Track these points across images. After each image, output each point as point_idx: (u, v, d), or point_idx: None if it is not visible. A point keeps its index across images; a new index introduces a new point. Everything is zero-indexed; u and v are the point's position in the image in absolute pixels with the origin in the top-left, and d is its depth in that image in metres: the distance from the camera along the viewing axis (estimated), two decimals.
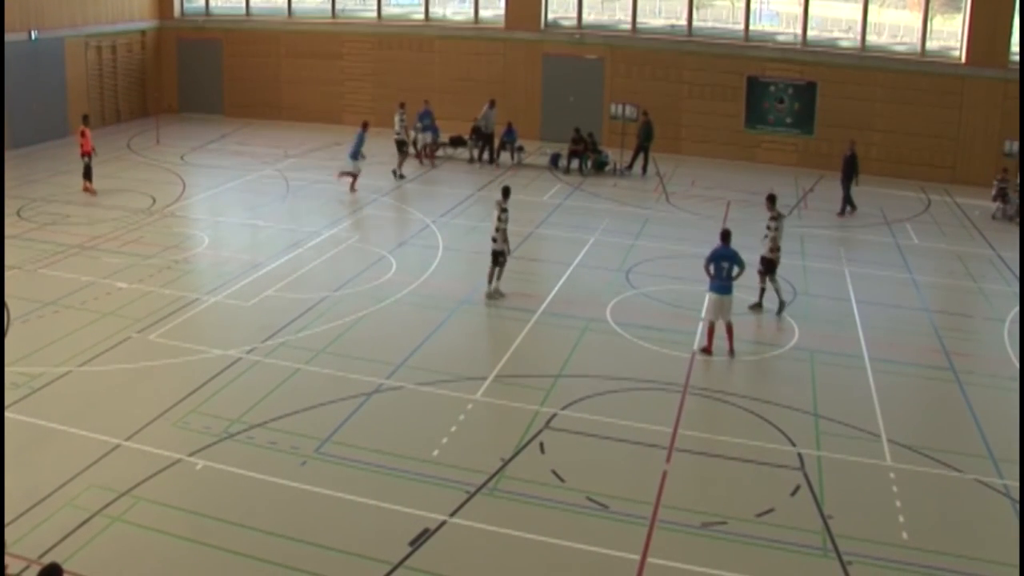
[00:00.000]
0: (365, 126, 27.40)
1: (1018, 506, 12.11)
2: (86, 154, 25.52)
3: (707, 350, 16.48)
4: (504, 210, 18.78)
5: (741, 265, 16.52)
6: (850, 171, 26.49)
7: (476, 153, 31.52)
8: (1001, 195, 27.06)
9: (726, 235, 16.84)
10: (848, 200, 26.63)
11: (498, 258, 18.82)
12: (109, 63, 35.81)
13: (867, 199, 28.36)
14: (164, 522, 11.06)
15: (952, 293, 21.10)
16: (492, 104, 31.62)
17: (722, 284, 16.42)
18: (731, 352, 16.44)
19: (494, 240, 18.81)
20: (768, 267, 18.63)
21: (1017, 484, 12.54)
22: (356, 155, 26.76)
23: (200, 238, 22.40)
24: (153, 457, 12.40)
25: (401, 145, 29.17)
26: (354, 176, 26.93)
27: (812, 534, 11.35)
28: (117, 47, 36.11)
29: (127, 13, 36.46)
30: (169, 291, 18.58)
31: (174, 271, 19.87)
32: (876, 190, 29.45)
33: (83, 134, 25.63)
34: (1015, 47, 30.16)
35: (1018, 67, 29.77)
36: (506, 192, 19.29)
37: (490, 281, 18.85)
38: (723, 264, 16.43)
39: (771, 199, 19.12)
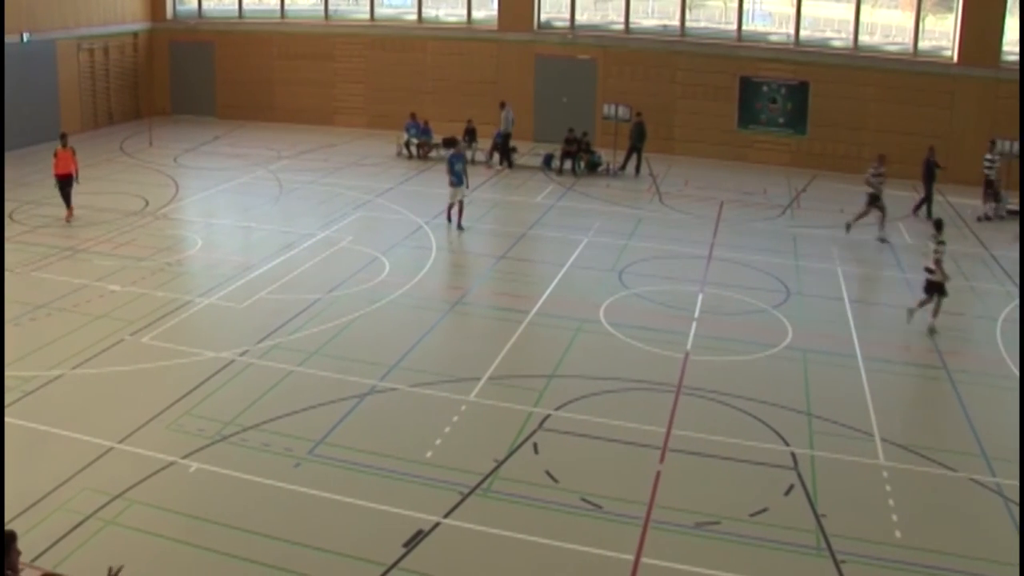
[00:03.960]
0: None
1: (1014, 506, 12.13)
2: (58, 177, 23.13)
3: None
4: (941, 243, 17.97)
5: None
6: (929, 174, 26.42)
7: (497, 157, 31.50)
8: (993, 194, 27.07)
9: None
10: (926, 202, 26.55)
11: (937, 289, 17.90)
12: (101, 65, 35.79)
13: (860, 198, 28.34)
14: (158, 525, 11.04)
15: None
16: (502, 105, 31.66)
17: None
18: None
19: (930, 271, 18.02)
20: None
21: (1010, 482, 12.59)
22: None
23: (193, 240, 22.37)
24: (147, 460, 12.38)
25: (874, 200, 25.22)
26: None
27: (806, 533, 11.36)
28: (109, 49, 36.08)
29: (119, 15, 36.42)
30: (162, 293, 18.56)
31: (167, 273, 19.84)
32: (868, 189, 29.45)
33: (55, 154, 23.25)
34: (1007, 46, 30.26)
35: (1011, 67, 29.88)
36: (939, 225, 18.61)
37: (935, 315, 17.91)
38: None
39: None
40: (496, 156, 31.39)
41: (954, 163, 29.76)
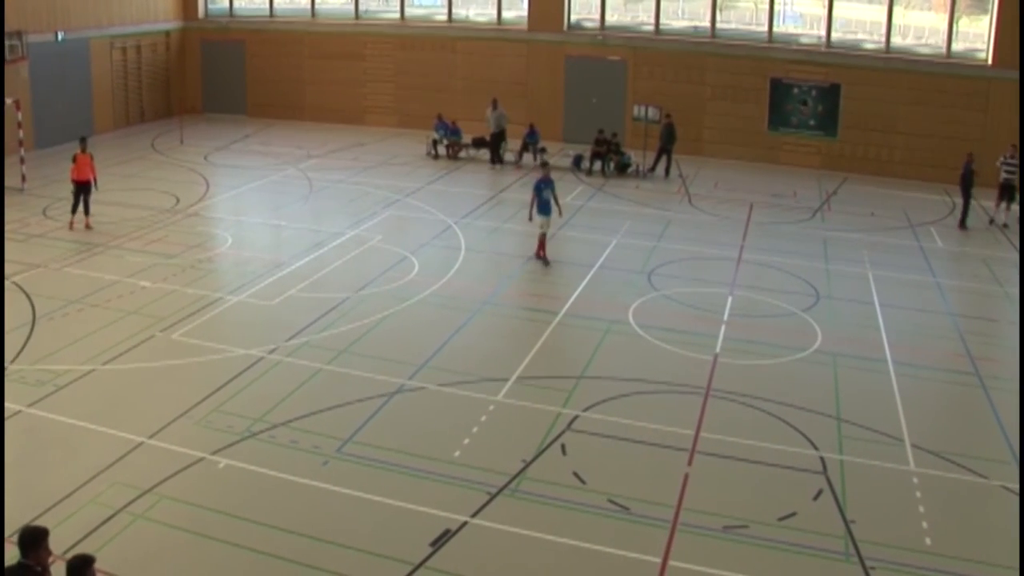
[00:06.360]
0: None
1: None
2: (76, 183, 22.34)
3: None
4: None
5: None
6: (968, 182, 25.96)
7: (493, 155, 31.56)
8: (1009, 199, 26.65)
9: None
10: (964, 210, 26.12)
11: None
12: (134, 63, 36.11)
13: (892, 202, 28.26)
14: (186, 520, 11.12)
15: (977, 297, 20.93)
16: (494, 104, 31.54)
17: None
18: None
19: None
20: None
21: None
22: None
23: (223, 238, 22.50)
24: (176, 455, 12.47)
25: (1007, 188, 25.47)
26: None
27: (834, 539, 11.28)
28: (142, 48, 36.39)
29: (152, 14, 36.72)
30: (192, 290, 18.68)
31: (197, 270, 19.97)
32: (900, 193, 29.31)
33: (74, 159, 22.51)
34: None
35: None
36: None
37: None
38: None
39: None
40: (525, 156, 31.39)
41: (989, 167, 29.43)
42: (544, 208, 21.00)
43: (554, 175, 29.59)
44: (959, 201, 26.51)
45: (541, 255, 21.23)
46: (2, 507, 9.43)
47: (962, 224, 25.98)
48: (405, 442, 13.07)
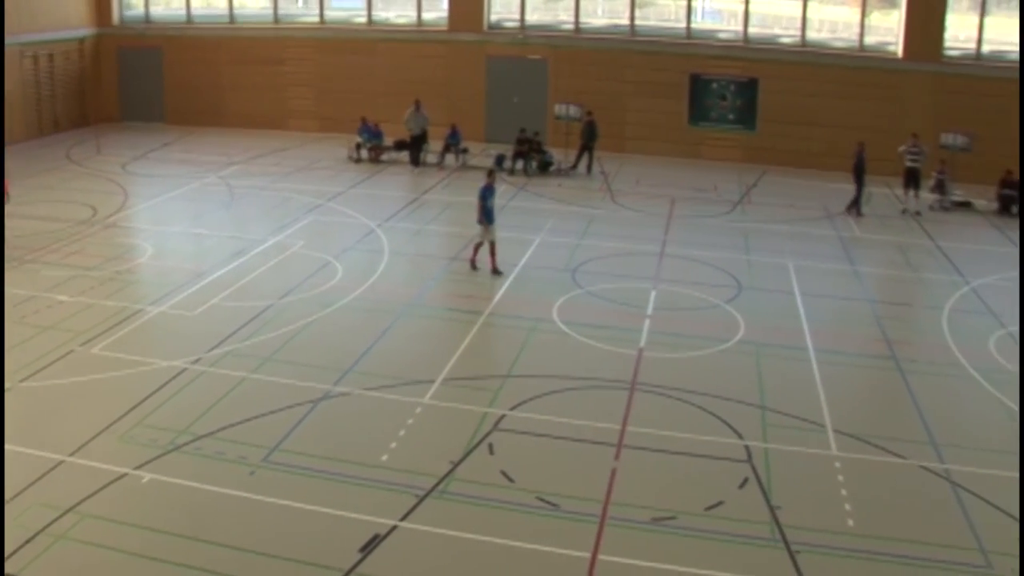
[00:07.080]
0: None
1: (962, 491, 12.33)
2: None
3: None
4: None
5: None
6: (860, 170, 26.40)
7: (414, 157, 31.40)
8: (939, 187, 27.49)
9: None
10: (858, 198, 26.55)
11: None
12: (46, 72, 35.24)
13: (810, 193, 28.81)
14: (111, 538, 10.90)
15: (893, 283, 21.48)
16: (417, 106, 31.34)
17: None
18: None
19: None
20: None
21: (958, 468, 12.82)
22: None
23: (143, 248, 22.11)
24: (98, 472, 12.22)
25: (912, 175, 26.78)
26: None
27: (761, 525, 11.47)
28: (55, 56, 35.53)
29: (64, 21, 35.89)
30: (112, 303, 18.33)
31: (117, 282, 19.60)
32: (818, 184, 29.88)
33: None
34: (948, 42, 30.87)
35: (954, 62, 30.55)
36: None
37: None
38: None
39: None
40: (447, 157, 31.36)
41: (901, 157, 30.23)
42: (488, 215, 20.43)
43: (477, 175, 29.75)
44: (875, 191, 27.15)
45: (475, 261, 20.62)
46: (2, 507, 9.13)
47: (852, 209, 26.55)
48: (332, 448, 12.98)
